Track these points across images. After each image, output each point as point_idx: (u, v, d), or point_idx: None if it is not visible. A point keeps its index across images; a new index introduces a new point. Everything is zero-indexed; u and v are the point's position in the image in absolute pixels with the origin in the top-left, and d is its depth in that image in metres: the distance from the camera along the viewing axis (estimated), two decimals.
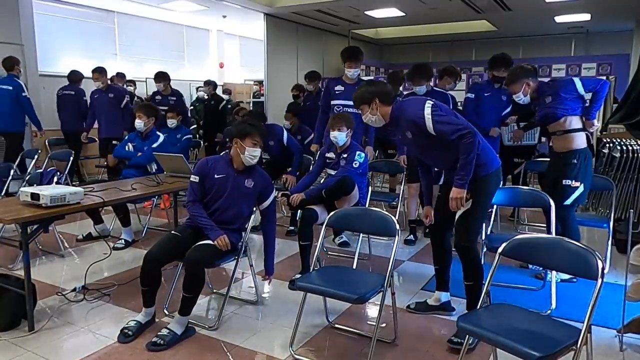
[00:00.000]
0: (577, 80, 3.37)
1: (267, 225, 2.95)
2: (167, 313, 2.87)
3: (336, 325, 2.78)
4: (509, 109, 4.56)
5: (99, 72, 5.90)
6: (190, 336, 2.63)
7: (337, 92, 4.35)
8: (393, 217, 2.54)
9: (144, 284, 2.62)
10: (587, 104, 3.46)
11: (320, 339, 2.65)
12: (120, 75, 7.37)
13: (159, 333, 2.55)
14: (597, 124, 3.51)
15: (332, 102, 4.37)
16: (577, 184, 3.30)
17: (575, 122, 3.35)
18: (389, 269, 2.40)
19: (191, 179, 2.83)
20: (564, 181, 3.31)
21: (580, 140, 3.35)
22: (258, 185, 2.85)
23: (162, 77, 6.14)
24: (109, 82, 6.15)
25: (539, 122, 3.80)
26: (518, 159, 4.89)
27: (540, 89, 3.41)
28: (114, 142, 5.25)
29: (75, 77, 6.75)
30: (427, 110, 2.46)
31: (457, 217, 2.63)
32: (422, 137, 2.53)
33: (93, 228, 4.29)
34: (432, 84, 4.34)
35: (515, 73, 3.42)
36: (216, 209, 2.80)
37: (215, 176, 2.80)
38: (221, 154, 3.03)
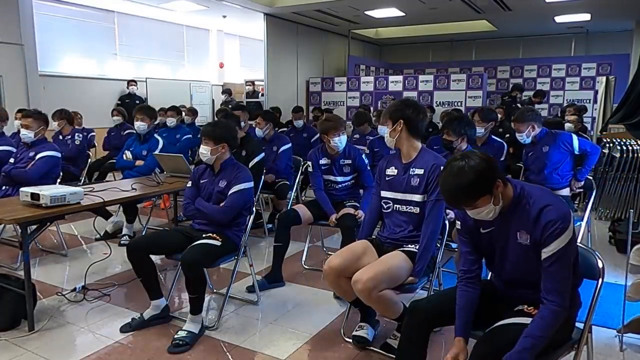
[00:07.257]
0: (574, 137, 3.59)
1: (217, 206, 2.77)
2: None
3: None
4: None
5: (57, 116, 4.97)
6: (204, 334, 2.64)
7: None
8: None
9: (137, 273, 2.68)
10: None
11: (321, 338, 2.65)
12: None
13: (177, 335, 2.52)
14: (581, 183, 3.65)
15: None
16: None
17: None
18: None
19: (187, 185, 2.94)
20: None
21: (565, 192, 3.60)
22: (227, 180, 2.78)
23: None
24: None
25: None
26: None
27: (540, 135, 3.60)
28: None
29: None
30: None
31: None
32: None
33: (108, 226, 4.32)
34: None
35: (524, 113, 3.59)
36: None
37: (201, 181, 2.90)
38: None
